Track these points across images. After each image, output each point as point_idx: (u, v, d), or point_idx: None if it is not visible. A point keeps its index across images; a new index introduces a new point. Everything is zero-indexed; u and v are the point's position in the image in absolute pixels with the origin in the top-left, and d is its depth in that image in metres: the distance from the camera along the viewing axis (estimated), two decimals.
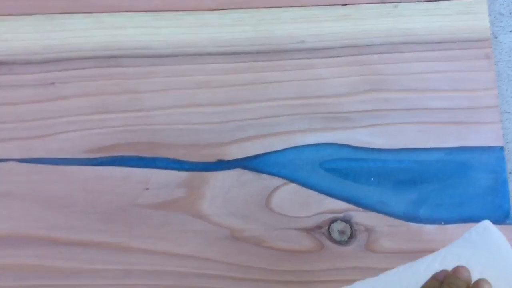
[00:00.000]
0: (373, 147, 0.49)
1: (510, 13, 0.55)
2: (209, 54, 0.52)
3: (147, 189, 0.48)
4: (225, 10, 0.54)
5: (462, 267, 0.36)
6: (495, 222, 0.43)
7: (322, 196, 0.48)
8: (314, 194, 0.48)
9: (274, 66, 0.52)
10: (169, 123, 0.50)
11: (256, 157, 0.49)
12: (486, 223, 0.39)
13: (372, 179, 0.48)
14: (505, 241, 0.38)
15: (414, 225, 0.47)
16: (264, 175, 0.49)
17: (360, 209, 0.47)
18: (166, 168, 0.49)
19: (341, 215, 0.47)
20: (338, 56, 0.52)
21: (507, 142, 0.50)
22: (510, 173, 0.49)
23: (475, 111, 0.49)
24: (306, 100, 0.51)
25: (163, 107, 0.51)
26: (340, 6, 0.54)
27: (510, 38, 0.53)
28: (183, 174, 0.48)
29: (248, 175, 0.49)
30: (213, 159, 0.49)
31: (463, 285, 0.35)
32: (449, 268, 0.37)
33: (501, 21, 0.55)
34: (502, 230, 0.40)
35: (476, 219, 0.45)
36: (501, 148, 0.48)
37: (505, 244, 0.38)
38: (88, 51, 0.52)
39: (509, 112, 0.51)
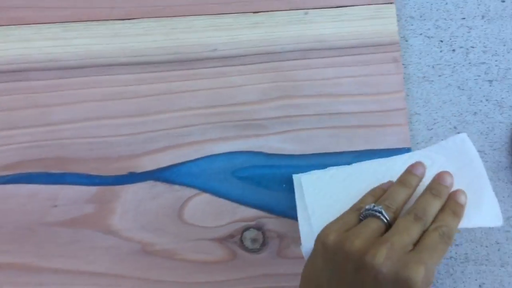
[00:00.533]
0: (285, 153, 0.49)
1: (420, 16, 0.56)
2: (120, 64, 0.52)
3: (55, 206, 0.47)
4: (135, 19, 0.54)
5: (447, 172, 0.38)
6: None
7: (235, 205, 0.48)
8: (227, 203, 0.48)
9: (187, 75, 0.52)
10: (78, 137, 0.49)
11: (168, 168, 0.49)
12: (464, 136, 0.43)
13: (284, 185, 0.48)
14: (477, 155, 0.41)
15: None
16: (176, 186, 0.48)
17: (273, 216, 0.48)
18: (75, 183, 0.48)
19: (253, 223, 0.48)
20: (250, 64, 0.52)
21: (417, 143, 0.51)
22: None
23: (383, 114, 0.50)
24: (219, 109, 0.51)
25: (72, 120, 0.50)
26: (251, 13, 0.54)
27: (420, 41, 0.55)
28: (92, 189, 0.48)
29: (160, 186, 0.48)
30: (124, 172, 0.49)
31: (446, 191, 0.37)
32: None
33: (412, 24, 0.56)
34: None
35: None
36: (408, 150, 0.49)
37: (477, 158, 0.41)
38: None
39: (419, 114, 0.52)
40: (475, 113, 0.52)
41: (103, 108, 0.51)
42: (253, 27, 0.54)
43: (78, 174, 0.48)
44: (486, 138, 0.51)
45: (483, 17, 0.55)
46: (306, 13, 0.54)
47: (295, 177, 0.46)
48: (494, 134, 0.52)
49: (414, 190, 0.37)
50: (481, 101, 0.53)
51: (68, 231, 0.47)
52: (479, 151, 0.49)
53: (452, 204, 0.36)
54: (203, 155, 0.50)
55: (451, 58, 0.54)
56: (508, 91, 0.53)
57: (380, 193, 0.38)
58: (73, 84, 0.52)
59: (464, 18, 0.56)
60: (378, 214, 0.34)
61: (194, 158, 0.50)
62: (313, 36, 0.53)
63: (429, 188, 0.37)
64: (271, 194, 0.49)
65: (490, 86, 0.53)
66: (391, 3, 0.54)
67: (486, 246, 0.49)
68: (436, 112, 0.53)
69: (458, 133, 0.50)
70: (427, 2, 0.56)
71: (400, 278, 0.30)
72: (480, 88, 0.53)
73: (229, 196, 0.48)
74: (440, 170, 0.38)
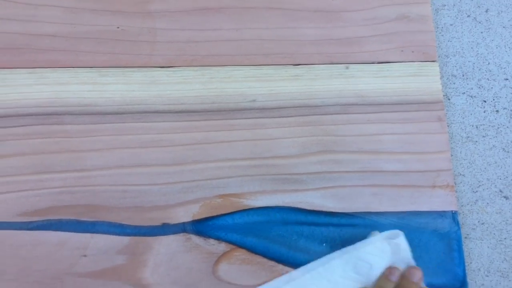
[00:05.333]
0: (325, 211, 0.51)
1: (463, 75, 0.59)
2: (157, 112, 0.54)
3: (85, 255, 0.48)
4: (174, 68, 0.56)
5: (416, 268, 0.44)
6: None
7: (272, 263, 0.49)
8: (264, 260, 0.49)
9: (224, 125, 0.54)
10: (111, 184, 0.51)
11: (203, 220, 0.50)
12: (399, 237, 0.46)
13: (324, 244, 0.49)
14: (411, 257, 0.46)
15: None
16: (211, 240, 0.49)
17: None
18: (106, 232, 0.49)
19: None
20: (289, 116, 0.54)
21: (462, 206, 0.52)
22: (465, 237, 0.51)
23: (428, 174, 0.52)
24: (256, 161, 0.52)
25: (105, 167, 0.52)
26: (292, 66, 0.57)
27: (462, 100, 0.57)
28: (124, 239, 0.49)
29: (194, 240, 0.49)
30: (157, 222, 0.50)
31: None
32: (362, 275, 0.45)
33: (454, 83, 0.59)
34: None
35: (432, 287, 0.46)
36: (455, 213, 0.50)
37: (410, 260, 0.46)
38: (28, 107, 0.53)
39: (463, 175, 0.54)
40: None
41: (137, 156, 0.53)
42: (293, 79, 0.56)
43: (110, 223, 0.50)
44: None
45: None
46: (347, 68, 0.57)
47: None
48: None
49: None
50: None
51: (97, 283, 0.48)
52: None
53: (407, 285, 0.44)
54: (239, 209, 0.51)
55: (495, 119, 0.56)
56: None
57: None
58: (107, 130, 0.54)
59: (507, 79, 0.58)
60: None
61: (231, 211, 0.51)
62: (354, 91, 0.56)
63: (401, 286, 0.44)
64: (310, 253, 0.49)
65: None
66: (434, 61, 0.57)
67: None
68: (481, 174, 0.54)
69: (504, 197, 0.51)
70: (469, 62, 0.59)
71: None
72: None
73: (266, 253, 0.49)
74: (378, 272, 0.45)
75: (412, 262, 0.45)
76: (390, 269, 0.44)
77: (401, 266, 0.45)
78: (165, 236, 0.49)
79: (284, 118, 0.54)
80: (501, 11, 0.61)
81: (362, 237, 0.49)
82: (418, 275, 0.43)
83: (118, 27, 0.58)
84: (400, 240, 0.45)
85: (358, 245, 0.45)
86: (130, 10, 0.59)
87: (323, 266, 0.45)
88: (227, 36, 0.58)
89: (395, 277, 0.43)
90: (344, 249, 0.45)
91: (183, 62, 0.56)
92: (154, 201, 0.50)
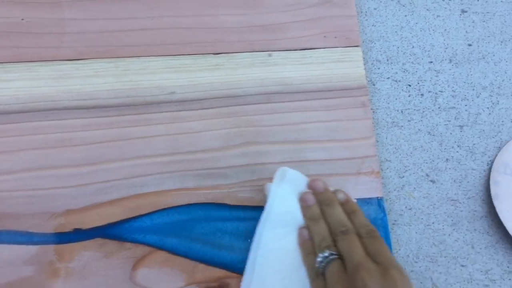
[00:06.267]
0: (250, 205, 0.49)
1: (387, 60, 0.58)
2: (67, 108, 0.51)
3: None
4: (85, 60, 0.53)
5: (317, 180, 0.46)
6: None
7: (194, 263, 0.46)
8: (186, 262, 0.46)
9: (141, 120, 0.51)
10: (16, 189, 0.47)
11: (119, 223, 0.47)
12: (283, 170, 0.47)
13: (249, 240, 0.47)
14: (301, 175, 0.48)
15: None
16: (128, 244, 0.47)
17: (237, 275, 0.46)
18: (12, 242, 0.46)
19: (215, 284, 0.46)
20: (210, 108, 0.52)
21: (389, 192, 0.52)
22: (393, 223, 0.50)
23: (353, 162, 0.51)
24: (176, 157, 0.50)
25: (10, 171, 0.48)
26: (212, 55, 0.54)
27: (387, 85, 0.57)
28: (32, 249, 0.45)
29: (109, 245, 0.46)
30: (69, 228, 0.47)
31: (330, 195, 0.45)
32: (291, 224, 0.46)
33: (379, 68, 0.58)
34: None
35: None
36: (380, 199, 0.49)
37: (303, 178, 0.47)
38: None
39: (390, 160, 0.53)
40: (447, 159, 0.54)
41: (45, 157, 0.49)
42: (214, 69, 0.54)
43: (16, 231, 0.46)
44: (459, 186, 0.52)
45: (450, 60, 0.58)
46: (269, 55, 0.55)
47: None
48: (468, 182, 0.53)
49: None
50: (453, 147, 0.54)
51: None
52: (452, 199, 0.50)
53: (347, 207, 0.44)
54: (158, 208, 0.48)
55: (420, 102, 0.56)
56: (479, 137, 0.55)
57: (309, 245, 0.43)
58: (12, 130, 0.50)
59: (431, 62, 0.58)
60: (330, 257, 0.40)
61: (149, 211, 0.48)
62: (278, 79, 0.54)
63: (320, 202, 0.44)
64: (235, 250, 0.47)
65: (461, 131, 0.55)
66: (357, 46, 0.56)
67: None
68: (407, 159, 0.54)
69: (431, 181, 0.51)
70: (393, 46, 0.59)
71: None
72: (451, 133, 0.55)
73: (188, 254, 0.47)
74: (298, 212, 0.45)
75: (305, 178, 0.47)
76: (302, 197, 0.45)
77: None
78: (77, 243, 0.46)
79: (205, 110, 0.52)
80: None
81: None
82: (319, 184, 0.45)
83: (22, 19, 0.54)
84: (288, 173, 0.46)
85: (266, 207, 0.46)
86: (35, 0, 0.54)
87: (258, 245, 0.45)
88: (142, 25, 0.55)
89: (310, 200, 0.45)
90: (260, 221, 0.46)
91: (94, 54, 0.53)
92: (65, 206, 0.47)
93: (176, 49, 0.54)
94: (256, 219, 0.47)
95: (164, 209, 0.48)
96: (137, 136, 0.50)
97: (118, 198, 0.48)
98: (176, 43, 0.54)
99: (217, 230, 0.48)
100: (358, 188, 0.49)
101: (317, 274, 0.40)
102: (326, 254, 0.40)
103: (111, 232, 0.47)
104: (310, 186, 0.45)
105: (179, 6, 0.56)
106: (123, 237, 0.47)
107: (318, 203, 0.44)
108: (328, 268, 0.39)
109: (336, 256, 0.39)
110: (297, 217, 0.45)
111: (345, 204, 0.44)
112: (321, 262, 0.40)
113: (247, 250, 0.46)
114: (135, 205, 0.48)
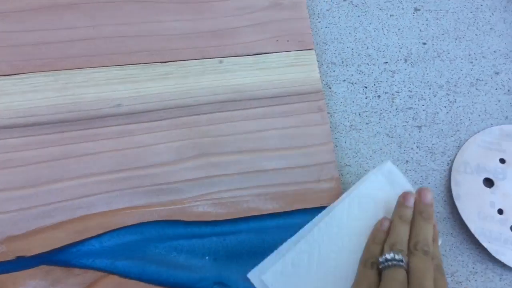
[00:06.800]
0: (207, 220, 0.46)
1: (342, 62, 0.57)
2: (4, 127, 0.47)
3: None
4: (22, 75, 0.49)
5: (427, 189, 0.45)
6: None
7: (150, 286, 0.43)
8: (140, 285, 0.43)
9: (85, 136, 0.48)
10: None
11: (66, 248, 0.44)
12: (389, 165, 0.47)
13: (207, 257, 0.45)
14: (406, 180, 0.47)
15: None
16: (76, 270, 0.44)
17: None
18: None
19: None
20: (160, 119, 0.50)
21: None
22: None
23: (312, 169, 0.49)
24: (125, 173, 0.47)
25: None
26: (160, 63, 0.52)
27: (343, 88, 0.55)
28: None
29: (56, 272, 0.43)
30: (10, 257, 0.44)
31: (432, 211, 0.44)
32: (369, 211, 0.46)
33: (334, 71, 0.56)
34: None
35: None
36: None
37: (406, 183, 0.47)
38: None
39: (349, 165, 0.52)
40: (407, 161, 0.53)
41: None
42: (162, 78, 0.52)
43: None
44: (421, 187, 0.51)
45: (406, 60, 0.57)
46: (220, 62, 0.53)
47: (253, 275, 0.44)
48: (429, 183, 0.52)
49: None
50: (412, 148, 0.53)
51: None
52: None
53: (433, 233, 0.43)
54: (108, 230, 0.45)
55: (377, 104, 0.55)
56: (438, 137, 0.54)
57: (381, 236, 0.42)
58: None
59: (386, 63, 0.57)
60: (400, 263, 0.38)
61: (98, 234, 0.45)
62: (230, 87, 0.52)
63: (418, 214, 0.43)
64: (192, 269, 0.45)
65: (420, 132, 0.54)
66: (310, 49, 0.54)
67: None
68: (367, 163, 0.52)
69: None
70: (347, 47, 0.57)
71: None
72: (409, 134, 0.54)
73: (142, 276, 0.44)
74: (381, 206, 0.45)
75: (410, 186, 0.46)
76: (404, 195, 0.44)
77: (400, 192, 0.45)
78: (21, 272, 0.43)
79: (154, 122, 0.49)
80: None
81: (248, 244, 0.45)
82: (428, 196, 0.44)
83: None
84: (391, 168, 0.47)
85: (356, 185, 0.47)
86: None
87: (328, 215, 0.45)
88: (83, 35, 0.52)
89: (410, 202, 0.44)
90: (344, 194, 0.47)
91: (32, 68, 0.49)
92: (5, 232, 0.44)
93: (121, 59, 0.51)
94: (213, 235, 0.44)
95: (114, 230, 0.46)
96: (81, 154, 0.47)
97: (63, 221, 0.45)
98: (120, 52, 0.52)
99: (172, 249, 0.46)
100: (319, 196, 0.48)
101: (372, 265, 0.40)
102: (398, 257, 0.39)
103: (57, 258, 0.44)
104: (420, 191, 0.44)
105: (122, 14, 0.53)
106: (70, 263, 0.44)
107: (415, 211, 0.43)
108: (391, 271, 0.38)
109: (403, 266, 0.38)
110: (377, 209, 0.45)
111: (433, 230, 0.43)
112: (387, 260, 0.39)
113: (204, 268, 0.44)
114: (82, 227, 0.45)
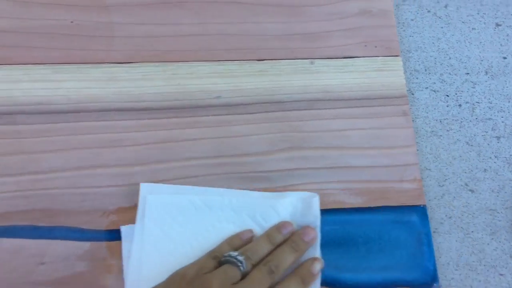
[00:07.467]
0: None
1: (425, 70, 0.60)
2: (116, 110, 0.53)
3: (43, 263, 0.46)
4: (134, 63, 0.55)
5: (312, 229, 0.45)
6: (422, 285, 0.49)
7: None
8: None
9: (188, 123, 0.53)
10: (69, 187, 0.49)
11: None
12: (315, 200, 0.48)
13: None
14: (318, 220, 0.47)
15: None
16: None
17: None
18: (65, 238, 0.47)
19: None
20: (255, 112, 0.54)
21: (429, 200, 0.54)
22: (434, 232, 0.52)
23: (395, 169, 0.53)
24: (222, 159, 0.52)
25: (62, 169, 0.50)
26: (256, 61, 0.57)
27: (426, 95, 0.59)
28: (85, 245, 0.47)
29: None
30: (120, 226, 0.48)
31: (305, 248, 0.44)
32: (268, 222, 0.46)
33: (417, 78, 0.60)
34: None
35: (402, 283, 0.47)
36: (424, 207, 0.51)
37: (316, 222, 0.47)
38: None
39: (429, 169, 0.55)
40: (485, 170, 0.56)
41: (97, 156, 0.51)
42: (258, 75, 0.56)
43: (69, 228, 0.48)
44: (497, 196, 0.54)
45: (486, 72, 0.60)
46: (312, 63, 0.57)
47: (145, 186, 0.48)
48: (505, 192, 0.55)
49: (276, 247, 0.43)
50: (490, 157, 0.56)
51: None
52: (491, 209, 0.52)
53: (303, 272, 0.42)
54: None
55: (458, 113, 0.58)
56: None
57: (237, 242, 0.43)
58: (63, 129, 0.52)
59: (468, 73, 0.60)
60: (238, 263, 0.39)
61: None
62: (320, 87, 0.56)
63: (290, 241, 0.43)
64: None
65: (498, 142, 0.57)
66: (397, 55, 0.58)
67: None
68: (447, 168, 0.55)
69: (470, 190, 0.53)
70: (431, 56, 0.61)
71: None
72: (488, 144, 0.57)
73: None
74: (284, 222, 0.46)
75: (317, 227, 0.46)
76: (284, 223, 0.45)
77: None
78: None
79: (250, 115, 0.54)
80: (460, 6, 0.63)
81: (333, 234, 0.49)
82: (311, 235, 0.44)
83: (72, 22, 0.56)
84: (313, 203, 0.47)
85: (275, 194, 0.48)
86: (84, 4, 0.57)
87: (237, 197, 0.48)
88: (189, 31, 0.57)
89: (286, 230, 0.44)
90: (264, 193, 0.49)
91: (141, 58, 0.55)
92: (116, 203, 0.49)
93: (221, 55, 0.56)
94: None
95: None
96: (184, 139, 0.52)
97: None
98: (221, 49, 0.57)
99: None
100: (401, 196, 0.51)
101: (215, 258, 0.41)
102: (240, 258, 0.40)
103: None
104: (304, 228, 0.46)
105: (223, 14, 0.58)
106: None
107: (288, 240, 0.44)
108: (227, 266, 0.39)
109: (241, 268, 0.39)
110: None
111: (303, 271, 0.43)
112: (230, 256, 0.40)
113: None
114: None
